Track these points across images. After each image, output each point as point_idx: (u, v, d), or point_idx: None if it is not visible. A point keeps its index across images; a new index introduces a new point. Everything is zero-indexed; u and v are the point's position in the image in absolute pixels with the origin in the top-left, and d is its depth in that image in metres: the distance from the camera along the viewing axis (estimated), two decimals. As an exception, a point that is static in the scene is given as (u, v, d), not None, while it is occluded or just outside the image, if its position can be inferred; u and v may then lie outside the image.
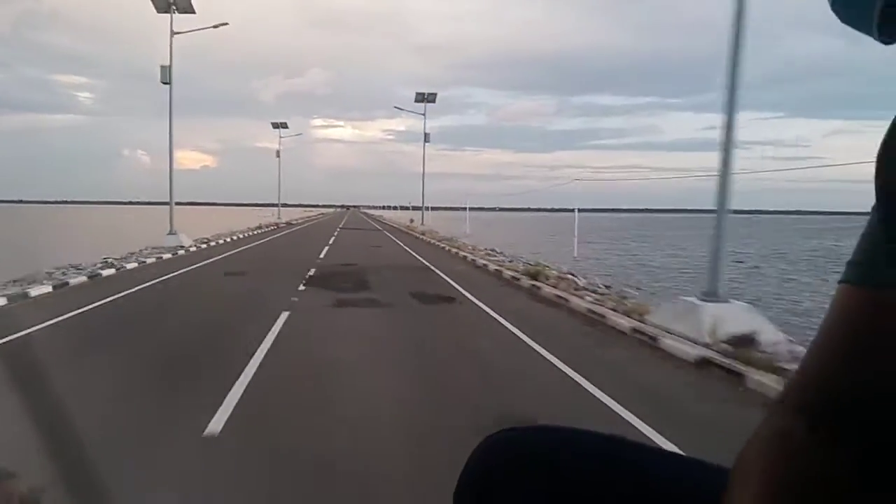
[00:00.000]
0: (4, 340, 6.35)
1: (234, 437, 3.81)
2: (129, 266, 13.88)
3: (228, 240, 24.65)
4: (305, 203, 72.88)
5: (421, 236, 29.85)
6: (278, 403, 4.57)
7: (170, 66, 20.51)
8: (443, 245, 23.24)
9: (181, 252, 18.02)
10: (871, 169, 0.46)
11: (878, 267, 0.46)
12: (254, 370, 5.31)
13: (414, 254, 19.61)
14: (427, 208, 47.28)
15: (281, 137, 51.14)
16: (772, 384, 4.79)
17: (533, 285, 11.39)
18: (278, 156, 51.58)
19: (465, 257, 18.10)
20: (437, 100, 37.05)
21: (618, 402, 4.62)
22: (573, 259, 24.11)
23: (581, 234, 23.25)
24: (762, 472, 0.46)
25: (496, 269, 14.28)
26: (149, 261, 15.17)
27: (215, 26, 21.94)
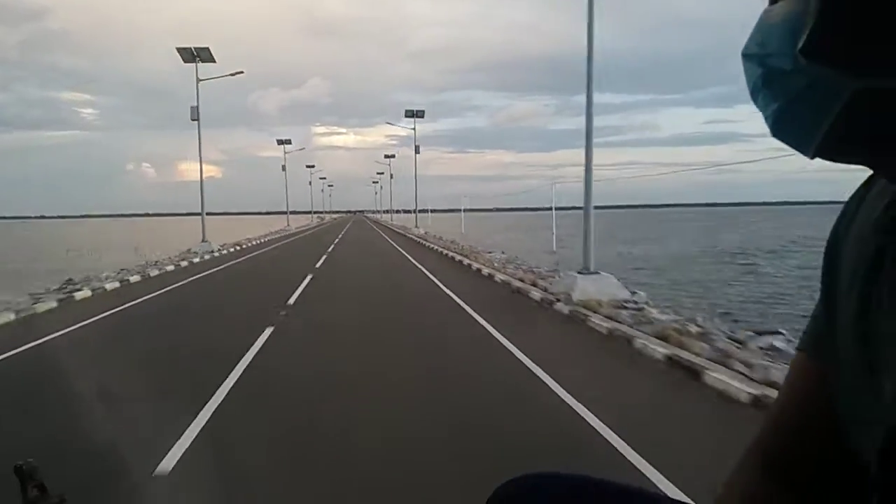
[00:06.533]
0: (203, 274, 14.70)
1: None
2: (196, 260, 19.41)
3: (250, 244, 29.70)
4: (313, 210, 76.90)
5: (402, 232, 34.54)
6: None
7: (197, 107, 24.48)
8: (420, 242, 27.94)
9: (224, 252, 23.44)
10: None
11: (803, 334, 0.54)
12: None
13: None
14: (428, 211, 52.59)
15: (286, 153, 55.27)
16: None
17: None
18: (284, 170, 55.67)
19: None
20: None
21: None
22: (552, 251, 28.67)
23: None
24: None
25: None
26: (206, 257, 20.63)
27: (232, 74, 26.48)
